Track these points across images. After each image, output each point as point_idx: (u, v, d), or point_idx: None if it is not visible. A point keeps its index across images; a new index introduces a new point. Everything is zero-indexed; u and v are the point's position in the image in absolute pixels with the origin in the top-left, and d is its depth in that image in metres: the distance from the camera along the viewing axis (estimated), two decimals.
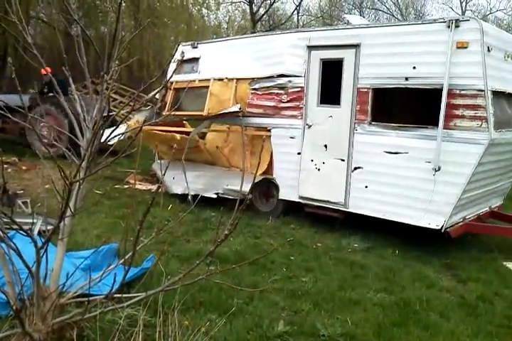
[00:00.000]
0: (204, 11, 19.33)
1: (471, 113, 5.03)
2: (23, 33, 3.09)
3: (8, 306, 3.16)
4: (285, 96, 6.51)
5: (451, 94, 5.11)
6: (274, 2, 30.73)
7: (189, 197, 6.54)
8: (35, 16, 16.78)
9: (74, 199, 3.06)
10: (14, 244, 2.75)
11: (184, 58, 7.44)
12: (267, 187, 6.89)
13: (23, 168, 8.87)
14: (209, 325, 3.29)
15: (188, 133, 7.42)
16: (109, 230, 5.48)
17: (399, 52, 5.48)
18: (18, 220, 2.77)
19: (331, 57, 6.11)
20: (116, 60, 3.10)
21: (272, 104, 6.66)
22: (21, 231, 2.63)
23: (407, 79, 5.40)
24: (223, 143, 7.71)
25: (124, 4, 14.08)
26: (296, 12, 32.37)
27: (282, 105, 6.55)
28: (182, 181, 6.94)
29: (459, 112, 5.10)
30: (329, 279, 4.60)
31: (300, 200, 6.48)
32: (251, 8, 30.71)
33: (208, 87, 7.37)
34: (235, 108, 6.88)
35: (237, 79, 7.11)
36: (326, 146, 6.16)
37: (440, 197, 5.24)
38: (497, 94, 5.18)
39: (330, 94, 6.17)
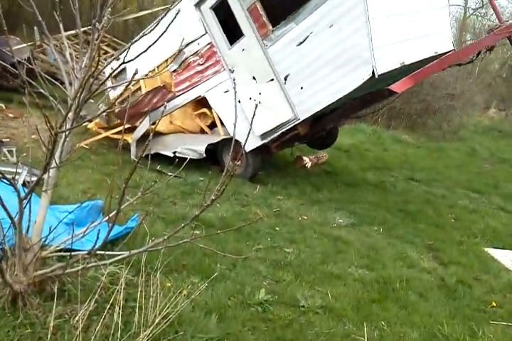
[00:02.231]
0: None
1: None
2: None
3: None
4: (201, 59, 6.64)
5: None
6: None
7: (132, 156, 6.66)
8: None
9: (59, 150, 2.95)
10: None
11: (115, 73, 7.36)
12: (234, 149, 6.88)
13: (10, 115, 8.60)
14: (191, 288, 3.27)
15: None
16: (95, 186, 5.38)
17: None
18: (2, 169, 2.67)
19: (216, 1, 6.27)
20: (109, 8, 2.92)
21: (193, 71, 6.77)
22: (4, 180, 2.54)
23: None
24: (172, 118, 7.54)
25: None
26: None
27: (202, 67, 6.67)
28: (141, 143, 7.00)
29: None
30: (312, 252, 4.61)
31: (263, 141, 6.46)
32: None
33: (140, 87, 7.53)
34: (158, 84, 7.03)
35: (157, 67, 7.15)
36: (254, 78, 6.30)
37: (356, 48, 5.36)
38: None
39: (233, 32, 6.34)
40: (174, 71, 6.96)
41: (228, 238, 4.49)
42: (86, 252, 2.84)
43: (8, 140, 6.80)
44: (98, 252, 2.87)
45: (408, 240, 5.34)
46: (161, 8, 11.43)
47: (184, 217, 4.79)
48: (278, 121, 6.20)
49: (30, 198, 2.76)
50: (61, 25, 3.26)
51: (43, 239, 2.91)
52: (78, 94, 2.77)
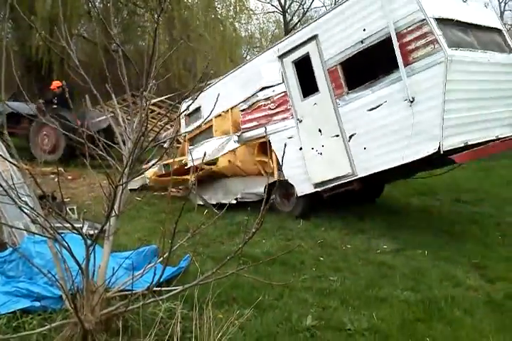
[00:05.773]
0: (236, 24, 19.81)
1: (423, 41, 5.47)
2: (68, 51, 3.45)
3: (61, 301, 3.54)
4: (272, 104, 7.17)
5: (400, 35, 5.60)
6: (307, 11, 31.12)
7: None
8: (77, 33, 17.63)
9: (118, 202, 3.40)
10: (67, 243, 3.09)
11: (190, 112, 8.23)
12: (284, 188, 7.26)
13: (69, 177, 9.42)
14: (241, 318, 3.54)
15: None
16: (149, 233, 5.85)
17: (349, 24, 6.12)
18: (66, 225, 3.12)
19: (298, 57, 6.85)
20: (153, 79, 3.42)
21: (262, 114, 7.33)
22: (73, 231, 2.98)
23: (362, 42, 5.99)
24: (233, 157, 7.95)
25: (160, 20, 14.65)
26: None
27: (272, 112, 7.18)
28: (204, 194, 7.87)
29: (412, 46, 5.56)
30: (357, 278, 4.78)
31: (316, 189, 6.76)
32: (284, 18, 31.14)
33: (212, 125, 8.20)
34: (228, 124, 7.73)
35: (231, 108, 7.88)
36: (320, 131, 6.66)
37: (427, 124, 5.50)
38: (444, 22, 5.57)
39: (308, 86, 6.78)
40: (243, 110, 7.63)
41: (274, 271, 4.77)
42: (144, 289, 3.21)
43: (68, 199, 7.47)
44: (155, 289, 3.23)
45: (454, 260, 5.38)
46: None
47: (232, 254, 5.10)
48: (335, 173, 6.50)
49: (94, 246, 3.18)
50: (113, 96, 3.80)
51: (107, 282, 3.31)
52: (131, 152, 3.25)
